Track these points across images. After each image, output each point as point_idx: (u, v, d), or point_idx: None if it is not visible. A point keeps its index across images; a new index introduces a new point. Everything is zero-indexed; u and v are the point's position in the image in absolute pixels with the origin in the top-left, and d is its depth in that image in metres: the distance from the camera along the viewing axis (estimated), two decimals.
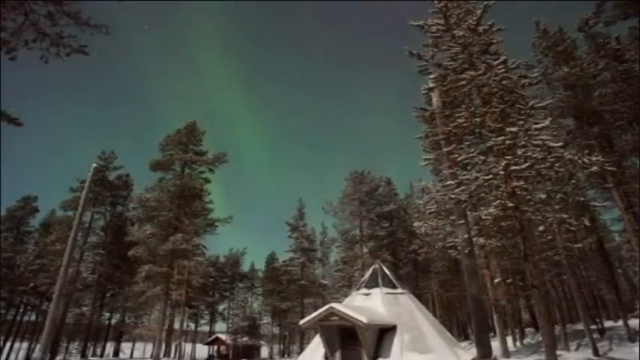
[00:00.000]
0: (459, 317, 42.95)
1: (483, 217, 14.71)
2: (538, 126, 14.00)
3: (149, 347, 49.53)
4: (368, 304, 15.63)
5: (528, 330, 35.34)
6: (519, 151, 13.67)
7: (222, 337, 46.93)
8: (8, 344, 37.94)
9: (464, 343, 29.87)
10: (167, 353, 41.48)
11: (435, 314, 27.97)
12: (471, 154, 15.05)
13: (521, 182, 13.69)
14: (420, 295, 33.10)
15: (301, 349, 35.19)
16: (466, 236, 17.84)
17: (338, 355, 14.68)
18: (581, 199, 20.39)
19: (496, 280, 24.82)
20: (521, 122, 14.30)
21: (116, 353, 44.28)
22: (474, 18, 16.52)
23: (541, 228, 15.95)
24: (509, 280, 24.98)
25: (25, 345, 39.94)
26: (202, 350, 51.45)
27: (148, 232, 30.10)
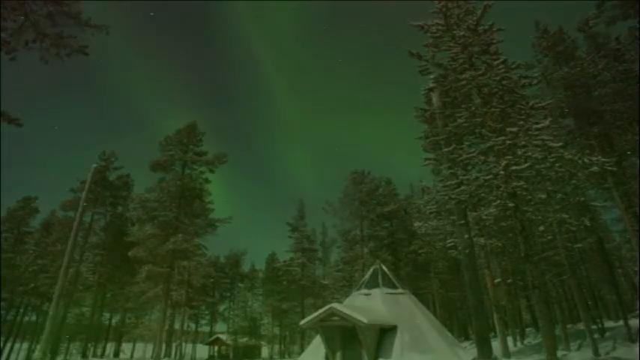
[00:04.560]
0: (459, 317, 42.93)
1: (484, 217, 14.73)
2: (538, 126, 14.01)
3: (150, 348, 49.50)
4: (368, 305, 15.64)
5: (529, 330, 35.33)
6: (519, 151, 13.68)
7: (223, 337, 46.91)
8: (9, 345, 37.94)
9: (464, 343, 29.86)
10: (168, 354, 41.47)
11: (435, 314, 27.96)
12: (471, 154, 15.06)
13: (522, 182, 13.70)
14: (420, 295, 33.08)
15: (302, 350, 35.17)
16: (466, 236, 17.84)
17: (338, 355, 14.69)
18: (581, 199, 20.39)
19: (496, 280, 24.82)
20: (521, 122, 14.31)
21: (117, 354, 44.25)
22: (474, 18, 16.53)
23: (541, 228, 15.97)
24: (509, 280, 24.98)
25: (25, 346, 39.94)
26: (203, 350, 51.44)
27: (149, 232, 30.09)
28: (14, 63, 9.32)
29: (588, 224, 17.70)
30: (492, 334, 25.13)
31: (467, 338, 37.78)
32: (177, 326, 45.48)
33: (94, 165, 13.77)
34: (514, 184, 13.65)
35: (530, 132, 13.91)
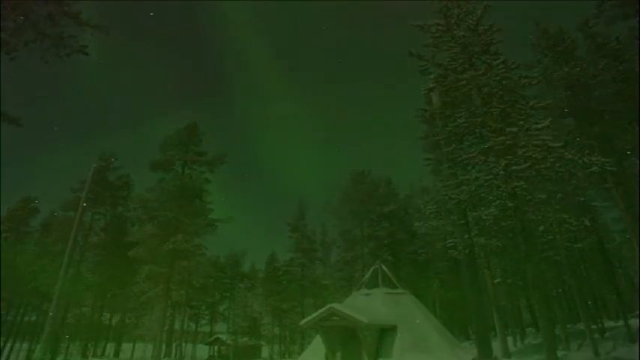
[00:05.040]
0: (459, 317, 42.88)
1: (484, 217, 14.72)
2: (538, 126, 14.01)
3: (149, 348, 49.48)
4: (368, 305, 15.64)
5: (529, 330, 35.34)
6: (519, 151, 13.68)
7: (223, 337, 46.90)
8: (9, 345, 37.95)
9: (464, 343, 29.86)
10: (168, 354, 41.47)
11: (435, 314, 27.99)
12: (471, 154, 15.06)
13: (522, 182, 13.70)
14: (420, 295, 33.09)
15: (302, 350, 35.18)
16: (466, 236, 17.84)
17: (338, 355, 14.69)
18: (581, 199, 20.38)
19: (496, 280, 24.82)
20: (521, 122, 14.32)
21: (117, 354, 44.26)
22: (474, 18, 16.53)
23: (541, 228, 15.96)
24: (509, 280, 24.98)
25: (25, 346, 39.94)
26: (203, 350, 51.43)
27: (149, 232, 30.09)
28: (14, 63, 9.32)
29: (588, 224, 17.70)
30: (492, 334, 25.14)
31: (467, 338, 37.76)
32: (177, 326, 45.46)
33: (94, 165, 13.77)
34: (514, 184, 13.65)
35: (530, 132, 13.91)
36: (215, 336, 48.61)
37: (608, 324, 28.23)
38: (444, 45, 17.48)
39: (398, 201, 42.09)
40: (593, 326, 24.14)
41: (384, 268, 17.68)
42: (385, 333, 14.34)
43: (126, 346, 47.93)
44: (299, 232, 44.75)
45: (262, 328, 52.20)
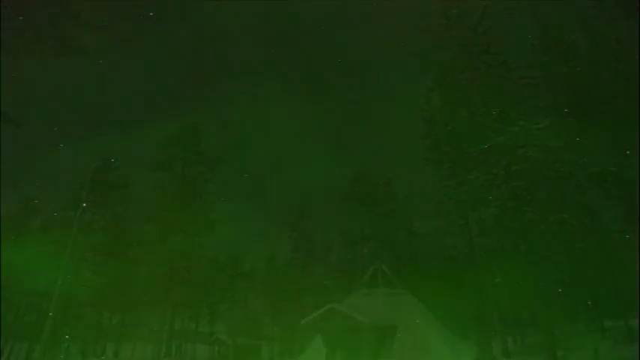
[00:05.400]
0: (459, 317, 42.84)
1: (484, 217, 14.74)
2: (538, 126, 14.03)
3: (149, 348, 49.44)
4: (368, 305, 15.66)
5: (529, 330, 35.31)
6: (519, 151, 13.70)
7: (223, 337, 46.88)
8: (9, 345, 37.95)
9: (464, 343, 29.83)
10: (168, 354, 41.45)
11: (435, 314, 27.95)
12: (471, 154, 15.07)
13: (522, 182, 13.72)
14: (420, 295, 33.06)
15: (302, 350, 35.18)
16: (466, 236, 17.85)
17: (339, 355, 14.70)
18: (581, 199, 20.34)
19: (496, 280, 24.80)
20: (522, 122, 14.33)
21: (117, 354, 44.24)
22: (474, 18, 16.56)
23: (541, 228, 15.96)
24: (509, 280, 24.95)
25: (25, 346, 39.94)
26: (203, 350, 51.43)
27: (149, 232, 30.11)
28: (15, 62, 9.33)
29: (588, 224, 17.69)
30: (492, 334, 25.12)
31: (467, 338, 37.74)
32: (177, 326, 45.41)
33: (94, 165, 13.78)
34: (514, 184, 13.66)
35: (530, 132, 13.92)
36: (215, 336, 48.58)
37: (608, 324, 28.21)
38: (444, 45, 17.51)
39: (398, 201, 42.08)
40: (593, 326, 24.13)
41: (384, 268, 17.69)
42: (385, 333, 14.35)
43: (126, 346, 47.90)
44: (299, 232, 44.77)
45: (262, 328, 52.14)
